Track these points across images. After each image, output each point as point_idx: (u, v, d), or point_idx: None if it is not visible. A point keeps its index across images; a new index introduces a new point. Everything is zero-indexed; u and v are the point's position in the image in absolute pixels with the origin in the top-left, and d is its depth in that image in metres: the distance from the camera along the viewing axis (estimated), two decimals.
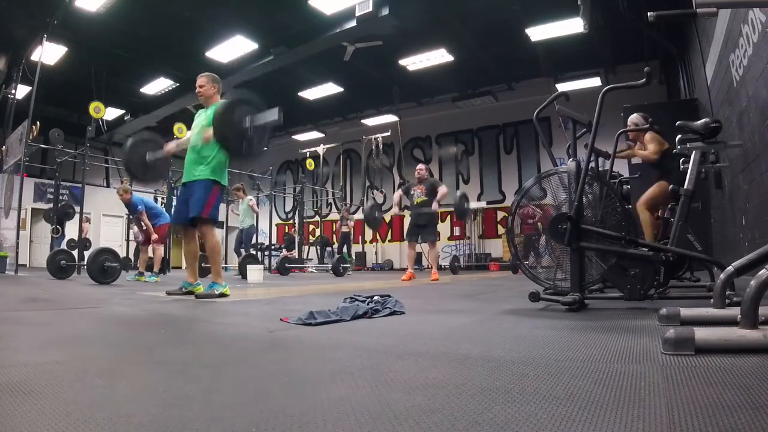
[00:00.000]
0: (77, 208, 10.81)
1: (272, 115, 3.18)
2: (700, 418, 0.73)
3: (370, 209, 6.48)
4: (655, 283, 2.38)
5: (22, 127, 8.14)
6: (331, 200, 15.38)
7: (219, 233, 3.97)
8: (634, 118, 3.82)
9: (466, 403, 0.84)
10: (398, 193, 6.90)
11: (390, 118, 13.81)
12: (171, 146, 3.67)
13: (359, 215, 13.04)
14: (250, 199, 8.68)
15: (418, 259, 10.96)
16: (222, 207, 4.85)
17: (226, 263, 8.67)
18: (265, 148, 3.28)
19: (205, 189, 3.38)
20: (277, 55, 9.82)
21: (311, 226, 14.58)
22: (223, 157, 3.46)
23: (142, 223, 6.09)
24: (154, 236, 6.14)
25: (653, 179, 3.90)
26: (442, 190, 6.40)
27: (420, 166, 6.81)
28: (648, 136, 3.78)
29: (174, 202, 7.27)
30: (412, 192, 6.60)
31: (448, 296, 3.74)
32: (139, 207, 6.09)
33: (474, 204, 8.24)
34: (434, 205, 6.34)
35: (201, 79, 3.60)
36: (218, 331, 1.96)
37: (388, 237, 15.10)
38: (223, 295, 3.39)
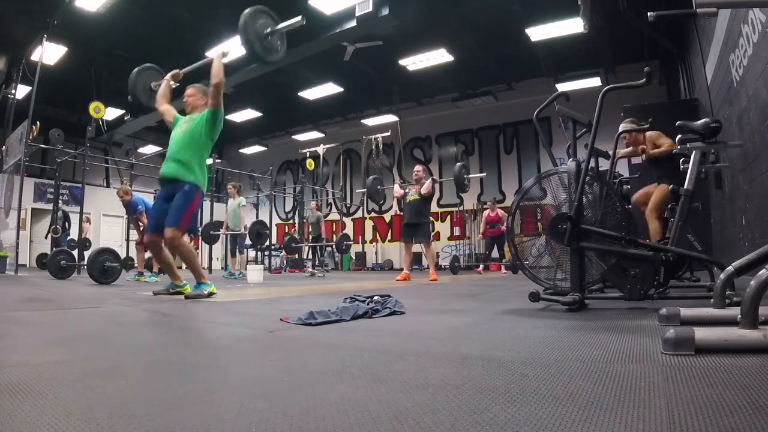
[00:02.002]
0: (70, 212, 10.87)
1: (295, 20, 3.50)
2: (700, 418, 0.73)
3: (372, 182, 6.48)
4: (655, 283, 2.38)
5: (22, 127, 8.15)
6: (331, 200, 15.38)
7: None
8: (625, 126, 3.70)
9: (466, 403, 0.84)
10: (397, 186, 6.89)
11: (390, 118, 13.82)
12: (174, 72, 3.78)
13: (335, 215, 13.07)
14: (242, 204, 8.27)
15: (418, 259, 10.96)
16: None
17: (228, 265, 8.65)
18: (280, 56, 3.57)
19: (186, 196, 3.30)
20: None
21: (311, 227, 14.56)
22: (206, 155, 3.51)
23: (140, 223, 6.07)
24: None
25: (653, 179, 3.90)
26: (427, 183, 6.40)
27: (417, 167, 6.82)
28: (653, 134, 3.74)
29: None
30: (407, 191, 6.63)
31: (447, 296, 3.74)
32: (140, 207, 6.07)
33: (474, 174, 8.19)
34: (424, 188, 6.34)
35: (191, 89, 3.61)
36: (218, 331, 1.96)
37: (388, 237, 15.10)
38: (211, 294, 3.39)
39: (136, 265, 6.29)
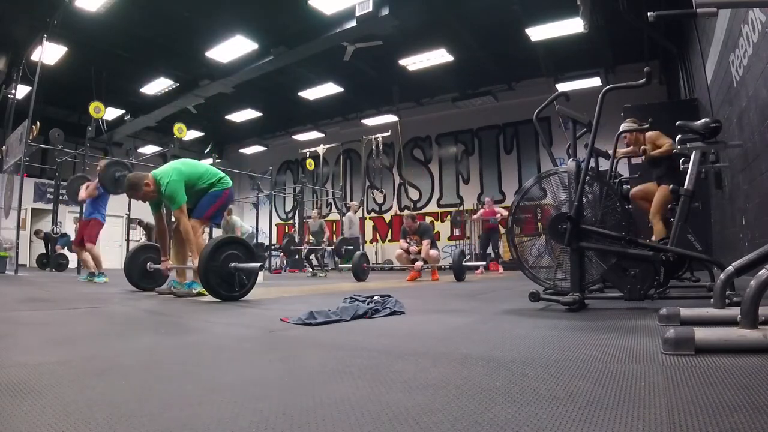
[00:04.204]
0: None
1: (254, 267, 3.17)
2: (700, 418, 0.73)
3: (359, 259, 6.54)
4: (655, 283, 2.38)
5: (22, 127, 8.14)
6: (331, 200, 15.38)
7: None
8: (626, 125, 3.70)
9: (466, 403, 0.84)
10: (403, 245, 6.91)
11: (390, 118, 13.81)
12: (168, 266, 3.73)
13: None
14: (236, 225, 8.41)
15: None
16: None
17: None
18: (246, 292, 3.26)
19: (211, 198, 3.60)
20: (277, 55, 9.82)
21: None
22: (203, 183, 3.61)
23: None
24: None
25: (653, 179, 3.89)
26: (432, 253, 6.55)
27: (405, 219, 6.86)
28: (653, 134, 3.73)
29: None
30: (408, 240, 6.80)
31: (448, 296, 3.74)
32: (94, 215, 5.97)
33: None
34: (430, 257, 6.52)
35: (130, 194, 3.57)
36: (218, 331, 1.96)
37: (388, 237, 15.10)
38: (201, 294, 3.40)
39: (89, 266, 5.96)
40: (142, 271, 4.12)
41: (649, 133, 3.73)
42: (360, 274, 6.25)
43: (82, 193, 6.14)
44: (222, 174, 3.76)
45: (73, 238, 10.99)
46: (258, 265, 3.19)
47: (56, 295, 3.76)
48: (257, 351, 1.49)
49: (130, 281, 4.13)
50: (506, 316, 2.24)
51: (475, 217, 9.88)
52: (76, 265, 7.60)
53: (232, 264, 3.10)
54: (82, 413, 0.79)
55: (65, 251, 10.64)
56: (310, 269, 9.83)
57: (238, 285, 3.16)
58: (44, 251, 11.58)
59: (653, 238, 3.58)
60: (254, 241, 9.04)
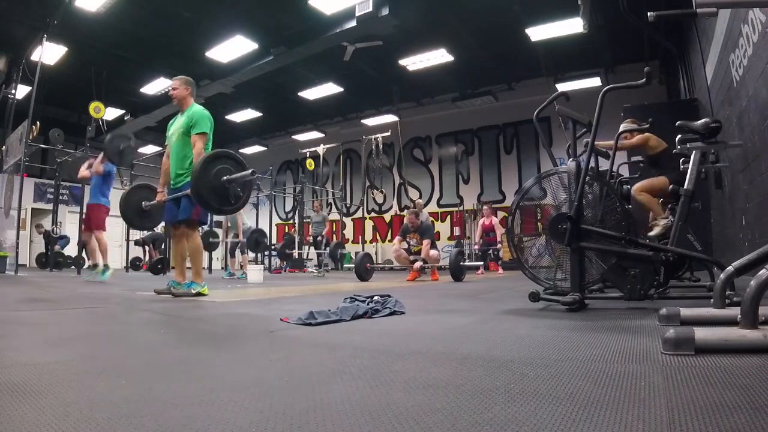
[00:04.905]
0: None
1: (247, 174, 3.17)
2: (700, 418, 0.73)
3: (360, 259, 6.55)
4: (655, 283, 2.38)
5: (22, 127, 8.13)
6: (331, 200, 15.38)
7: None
8: (626, 125, 3.70)
9: (466, 403, 0.84)
10: (400, 242, 6.87)
11: (390, 118, 13.80)
12: (163, 195, 3.69)
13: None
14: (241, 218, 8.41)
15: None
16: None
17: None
18: (242, 204, 3.27)
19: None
20: (277, 55, 9.82)
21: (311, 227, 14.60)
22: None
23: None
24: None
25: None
26: (433, 253, 6.54)
27: (407, 215, 6.84)
28: (644, 136, 3.72)
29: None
30: (408, 239, 6.76)
31: (448, 296, 3.74)
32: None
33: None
34: (430, 256, 6.51)
35: (174, 82, 3.58)
36: (218, 331, 1.96)
37: (388, 237, 15.10)
38: (200, 294, 3.41)
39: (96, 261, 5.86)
40: (137, 210, 4.12)
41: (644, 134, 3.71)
42: (363, 274, 6.24)
43: (84, 171, 6.04)
44: None
45: (72, 238, 11.05)
46: (250, 170, 3.19)
47: (56, 295, 3.76)
48: (257, 351, 1.49)
49: (126, 220, 4.20)
50: (506, 316, 2.24)
51: (477, 237, 9.82)
52: (76, 264, 7.59)
53: (225, 177, 3.11)
54: (82, 413, 0.79)
55: (64, 252, 10.69)
56: (311, 269, 9.84)
57: (234, 198, 3.17)
58: (44, 251, 11.60)
59: (651, 220, 3.56)
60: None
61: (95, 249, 5.77)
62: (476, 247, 9.81)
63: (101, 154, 5.92)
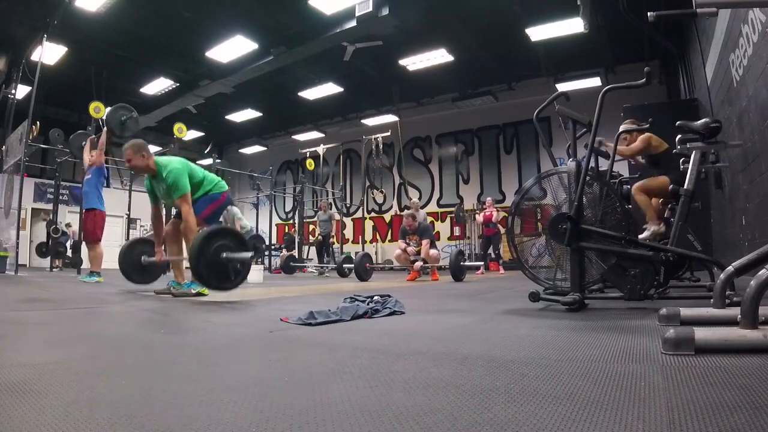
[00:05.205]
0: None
1: (245, 257, 3.14)
2: (700, 418, 0.73)
3: (361, 259, 6.56)
4: (655, 283, 2.38)
5: (22, 127, 8.13)
6: (331, 200, 15.38)
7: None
8: (626, 126, 3.70)
9: (466, 403, 0.84)
10: (401, 245, 6.89)
11: (390, 118, 13.80)
12: (161, 254, 3.69)
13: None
14: (236, 216, 8.35)
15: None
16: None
17: None
18: (240, 281, 3.21)
19: (208, 200, 3.59)
20: (277, 55, 9.82)
21: (311, 227, 14.60)
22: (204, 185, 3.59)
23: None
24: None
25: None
26: (433, 253, 6.56)
27: (405, 217, 6.85)
28: (644, 135, 3.72)
29: None
30: (408, 240, 6.79)
31: (448, 296, 3.74)
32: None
33: None
34: (429, 257, 6.52)
35: (127, 154, 3.39)
36: (218, 331, 1.96)
37: (388, 237, 15.10)
38: (200, 294, 3.40)
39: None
40: (136, 265, 4.05)
41: (643, 134, 3.71)
42: (362, 274, 6.25)
43: (86, 156, 5.90)
44: (219, 179, 3.78)
45: (72, 238, 11.05)
46: (250, 254, 3.17)
47: (56, 295, 3.76)
48: (257, 351, 1.49)
49: (125, 274, 4.07)
50: (506, 316, 2.24)
51: (478, 219, 9.93)
52: (74, 264, 7.59)
53: (224, 254, 3.08)
54: (82, 413, 0.79)
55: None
56: (311, 269, 9.84)
57: (233, 274, 3.14)
58: (44, 240, 11.58)
59: (647, 219, 3.56)
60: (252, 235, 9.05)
61: (95, 258, 5.69)
62: (477, 219, 9.95)
63: (102, 138, 5.84)
